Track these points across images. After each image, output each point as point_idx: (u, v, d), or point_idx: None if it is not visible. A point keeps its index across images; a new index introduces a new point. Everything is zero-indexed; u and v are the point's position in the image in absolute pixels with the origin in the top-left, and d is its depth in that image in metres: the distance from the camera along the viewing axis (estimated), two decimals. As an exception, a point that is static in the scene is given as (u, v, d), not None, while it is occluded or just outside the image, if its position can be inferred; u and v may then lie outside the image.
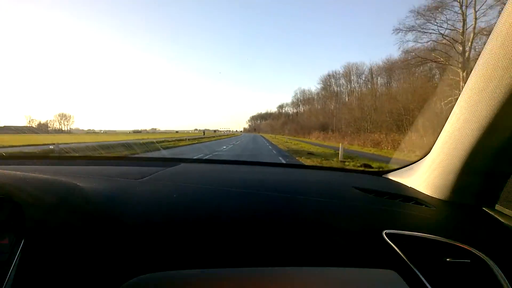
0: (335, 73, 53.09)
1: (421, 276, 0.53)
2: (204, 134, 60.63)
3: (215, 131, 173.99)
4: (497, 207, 0.72)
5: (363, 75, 45.02)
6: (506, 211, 0.69)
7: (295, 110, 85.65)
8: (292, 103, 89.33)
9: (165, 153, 12.14)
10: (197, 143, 23.52)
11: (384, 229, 0.61)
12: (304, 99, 76.79)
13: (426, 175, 0.85)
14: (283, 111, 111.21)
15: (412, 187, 0.91)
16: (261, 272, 0.51)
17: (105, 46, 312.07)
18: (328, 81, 55.42)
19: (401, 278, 0.52)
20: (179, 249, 0.54)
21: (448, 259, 0.57)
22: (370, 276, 0.53)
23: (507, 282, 0.54)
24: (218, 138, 38.25)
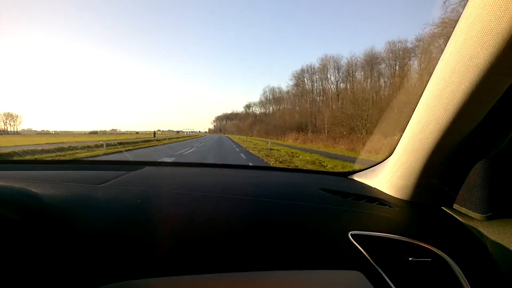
0: (310, 67, 48.49)
1: (384, 276, 0.55)
2: (154, 136, 46.20)
3: (178, 132, 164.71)
4: (455, 206, 0.75)
5: (341, 70, 40.56)
6: (463, 210, 0.73)
7: (263, 110, 78.74)
8: (260, 102, 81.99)
9: (128, 156, 11.60)
10: (123, 150, 15.28)
11: (350, 230, 0.62)
12: (274, 97, 70.27)
13: (389, 176, 0.87)
14: (251, 111, 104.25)
15: (376, 187, 0.94)
16: (224, 278, 0.51)
17: (61, 41, 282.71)
18: (301, 77, 50.89)
19: (365, 278, 0.54)
20: (144, 257, 0.52)
21: (410, 258, 0.59)
22: (335, 278, 0.54)
23: (465, 279, 0.57)
24: (172, 141, 29.70)
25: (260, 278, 0.52)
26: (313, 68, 47.14)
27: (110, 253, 0.52)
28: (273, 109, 68.01)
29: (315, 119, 37.80)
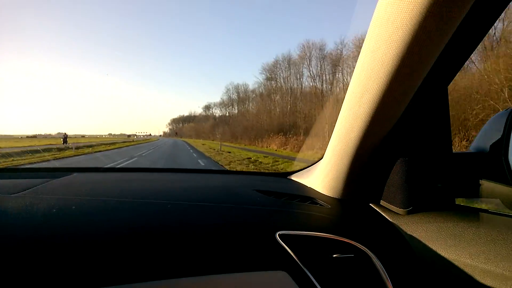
0: (287, 57, 40.07)
1: (308, 274, 0.56)
2: (65, 143, 24.94)
3: (129, 135, 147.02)
4: (382, 202, 0.80)
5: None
6: (388, 205, 0.77)
7: (227, 110, 67.53)
8: (222, 103, 71.37)
9: (55, 163, 10.57)
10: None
11: (278, 231, 0.63)
12: (239, 96, 59.88)
13: (321, 176, 0.90)
14: (210, 112, 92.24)
15: (311, 187, 0.96)
16: (145, 287, 0.49)
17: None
18: (274, 69, 42.19)
19: (290, 278, 0.55)
20: (57, 269, 0.49)
21: (334, 255, 0.61)
22: (260, 279, 0.54)
23: (385, 272, 0.61)
24: (98, 150, 19.51)
25: (182, 285, 0.50)
26: (290, 58, 39.06)
27: (18, 267, 0.47)
28: (240, 108, 58.14)
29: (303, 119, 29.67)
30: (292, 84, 38.64)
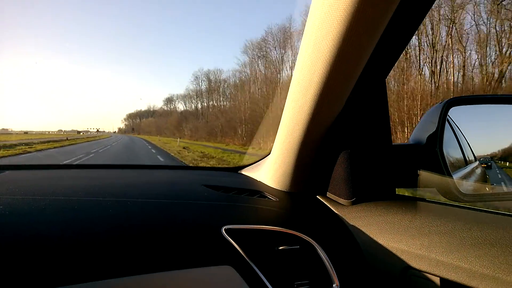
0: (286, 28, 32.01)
1: (254, 267, 0.57)
2: None
3: (80, 132, 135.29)
4: (328, 194, 0.82)
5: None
6: (334, 197, 0.80)
7: (192, 103, 55.66)
8: (187, 95, 58.79)
9: None
10: None
11: (224, 225, 0.62)
12: (210, 85, 48.58)
13: (271, 169, 0.90)
14: (173, 106, 74.88)
15: (260, 181, 0.97)
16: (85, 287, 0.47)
17: None
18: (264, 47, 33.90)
19: (236, 272, 0.55)
20: None
21: (280, 248, 0.62)
22: (205, 275, 0.54)
23: (330, 262, 0.62)
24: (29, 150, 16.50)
25: (125, 285, 0.48)
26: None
27: None
28: (214, 100, 48.04)
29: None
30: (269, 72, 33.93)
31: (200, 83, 53.02)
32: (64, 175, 1.01)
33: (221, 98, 46.75)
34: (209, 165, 10.11)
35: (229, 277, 0.54)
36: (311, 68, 0.61)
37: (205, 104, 51.21)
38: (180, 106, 67.31)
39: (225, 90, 45.70)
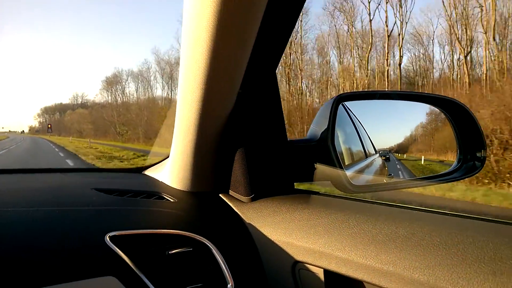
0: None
1: (141, 276, 0.53)
2: None
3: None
4: (230, 192, 0.80)
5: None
6: (235, 194, 0.78)
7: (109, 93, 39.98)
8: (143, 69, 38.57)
9: None
10: None
11: (109, 232, 0.57)
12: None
13: (172, 169, 0.86)
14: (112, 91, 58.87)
15: (162, 181, 0.93)
16: None
17: None
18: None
19: (120, 283, 0.51)
20: None
21: (171, 252, 0.59)
22: None
23: (225, 262, 0.61)
24: None
25: None
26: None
27: None
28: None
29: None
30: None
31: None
32: None
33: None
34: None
35: None
36: (195, 65, 0.59)
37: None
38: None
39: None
